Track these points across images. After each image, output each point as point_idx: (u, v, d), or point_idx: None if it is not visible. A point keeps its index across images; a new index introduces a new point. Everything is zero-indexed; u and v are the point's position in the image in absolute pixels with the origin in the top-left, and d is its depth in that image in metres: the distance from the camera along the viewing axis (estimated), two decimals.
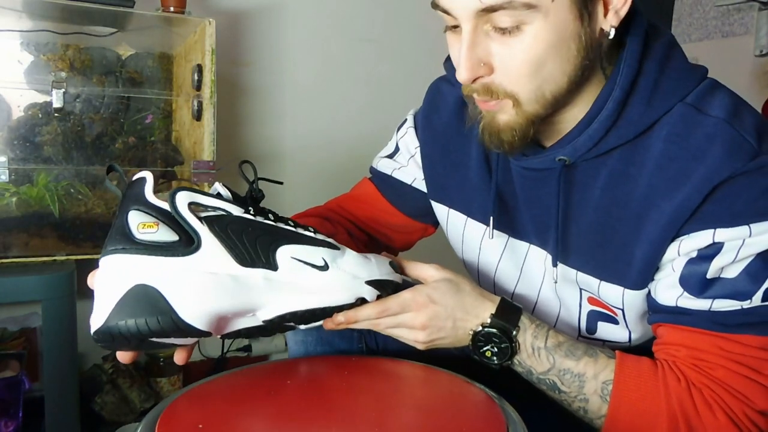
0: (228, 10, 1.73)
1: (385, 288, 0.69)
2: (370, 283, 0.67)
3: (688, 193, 0.62)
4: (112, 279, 0.54)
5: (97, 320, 0.54)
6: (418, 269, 0.74)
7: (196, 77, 1.41)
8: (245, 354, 1.78)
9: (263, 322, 0.62)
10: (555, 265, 0.74)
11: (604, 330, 0.76)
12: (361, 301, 0.67)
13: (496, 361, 0.69)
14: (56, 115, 1.36)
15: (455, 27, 0.65)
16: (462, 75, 0.63)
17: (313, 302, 0.63)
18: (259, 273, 0.60)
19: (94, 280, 0.56)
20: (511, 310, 0.70)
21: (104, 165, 1.39)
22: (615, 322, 0.74)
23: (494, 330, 0.69)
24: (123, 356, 0.58)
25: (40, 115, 1.36)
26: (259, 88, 1.82)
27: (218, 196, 0.62)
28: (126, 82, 1.49)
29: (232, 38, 1.75)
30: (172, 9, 1.41)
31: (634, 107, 0.65)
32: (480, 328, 0.69)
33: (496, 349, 0.69)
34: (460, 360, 0.73)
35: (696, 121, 0.64)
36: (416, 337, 0.69)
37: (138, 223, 0.56)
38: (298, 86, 1.86)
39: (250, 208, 0.62)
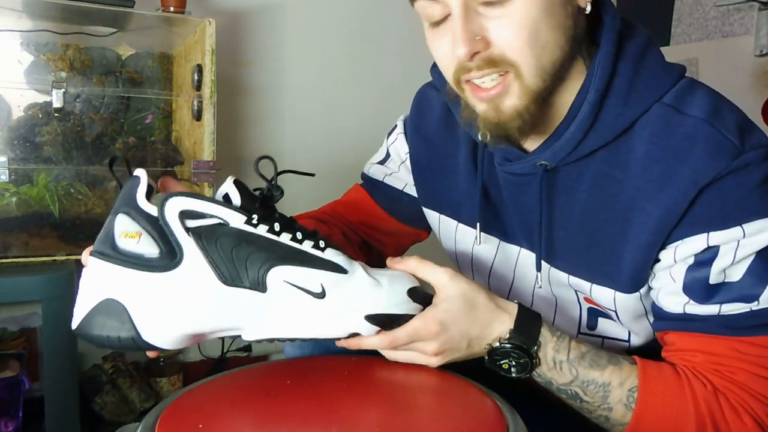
0: (228, 10, 1.73)
1: (388, 324, 0.62)
2: (370, 318, 0.61)
3: (673, 196, 0.62)
4: (90, 284, 0.55)
5: (75, 320, 0.56)
6: (430, 272, 0.67)
7: (196, 77, 1.41)
8: (245, 354, 1.78)
9: (247, 341, 0.59)
10: (539, 269, 0.74)
11: (604, 326, 0.76)
12: (355, 335, 0.62)
13: (514, 374, 0.66)
14: (56, 115, 1.36)
15: (437, 23, 0.65)
16: (460, 50, 0.61)
17: (299, 332, 0.59)
18: (242, 294, 0.56)
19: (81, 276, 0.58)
20: (531, 321, 0.66)
21: (104, 165, 1.39)
22: (613, 318, 0.74)
23: (512, 347, 0.65)
24: None
25: (40, 115, 1.37)
26: (259, 88, 1.82)
27: (226, 197, 0.58)
28: (126, 82, 1.49)
29: (232, 38, 1.75)
30: (172, 9, 1.42)
31: (611, 108, 0.65)
32: (497, 345, 0.65)
33: (514, 363, 0.66)
34: (459, 360, 0.72)
35: (675, 122, 0.63)
36: (429, 362, 0.67)
37: (122, 230, 0.54)
38: (298, 86, 1.86)
39: (254, 215, 0.57)
